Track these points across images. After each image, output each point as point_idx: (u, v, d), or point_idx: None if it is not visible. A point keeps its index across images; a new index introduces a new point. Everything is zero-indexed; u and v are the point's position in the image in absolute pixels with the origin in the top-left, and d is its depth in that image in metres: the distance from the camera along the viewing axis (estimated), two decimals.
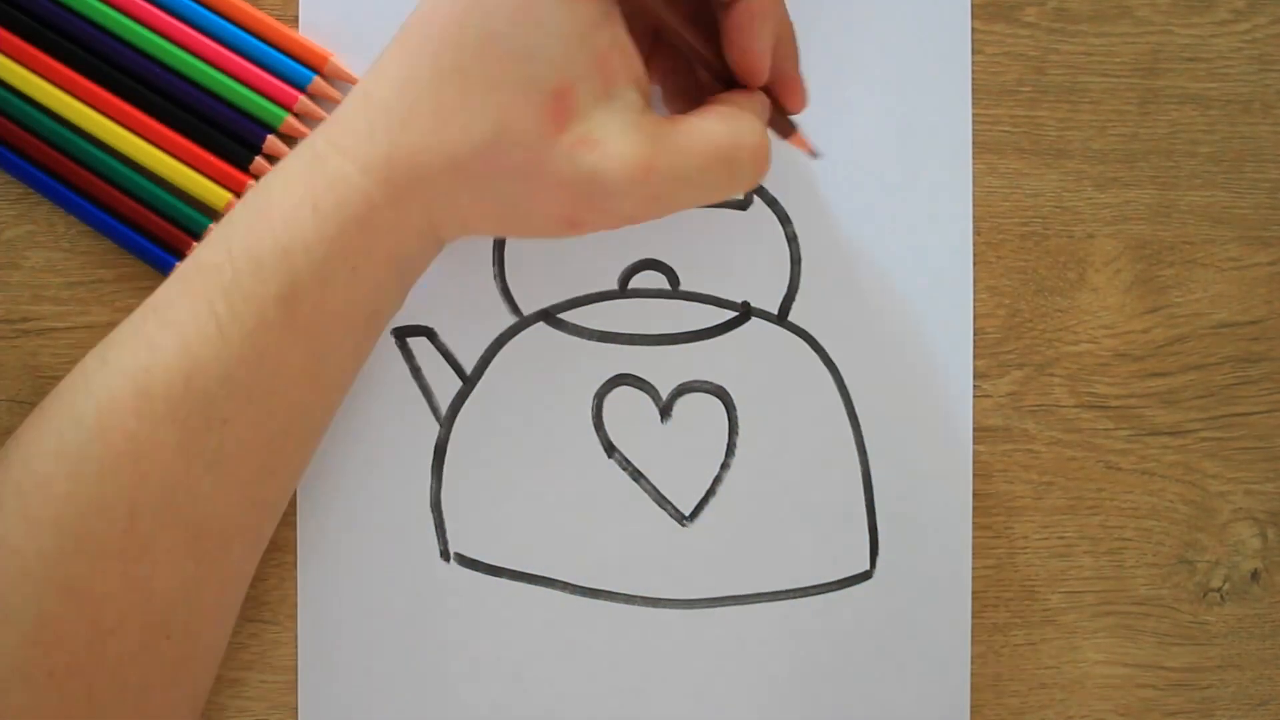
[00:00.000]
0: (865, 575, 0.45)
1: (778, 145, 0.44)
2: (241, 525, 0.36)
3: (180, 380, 0.34)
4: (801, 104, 0.40)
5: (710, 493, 0.44)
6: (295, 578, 0.43)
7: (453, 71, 0.34)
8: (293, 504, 0.43)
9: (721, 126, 0.36)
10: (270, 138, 0.42)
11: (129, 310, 0.42)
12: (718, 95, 0.38)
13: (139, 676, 0.36)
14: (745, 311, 0.45)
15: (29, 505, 0.34)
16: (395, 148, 0.34)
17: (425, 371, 0.44)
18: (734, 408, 0.44)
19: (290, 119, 0.42)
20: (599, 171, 0.34)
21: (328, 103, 0.43)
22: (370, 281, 0.35)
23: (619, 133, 0.34)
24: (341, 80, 0.42)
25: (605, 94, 0.34)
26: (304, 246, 0.34)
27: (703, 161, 0.35)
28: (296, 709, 0.43)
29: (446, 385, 0.44)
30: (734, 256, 0.45)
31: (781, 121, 0.41)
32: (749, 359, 0.44)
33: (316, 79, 0.42)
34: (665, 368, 0.44)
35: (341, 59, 0.43)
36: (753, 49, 0.36)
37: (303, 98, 0.42)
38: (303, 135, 0.42)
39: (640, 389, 0.44)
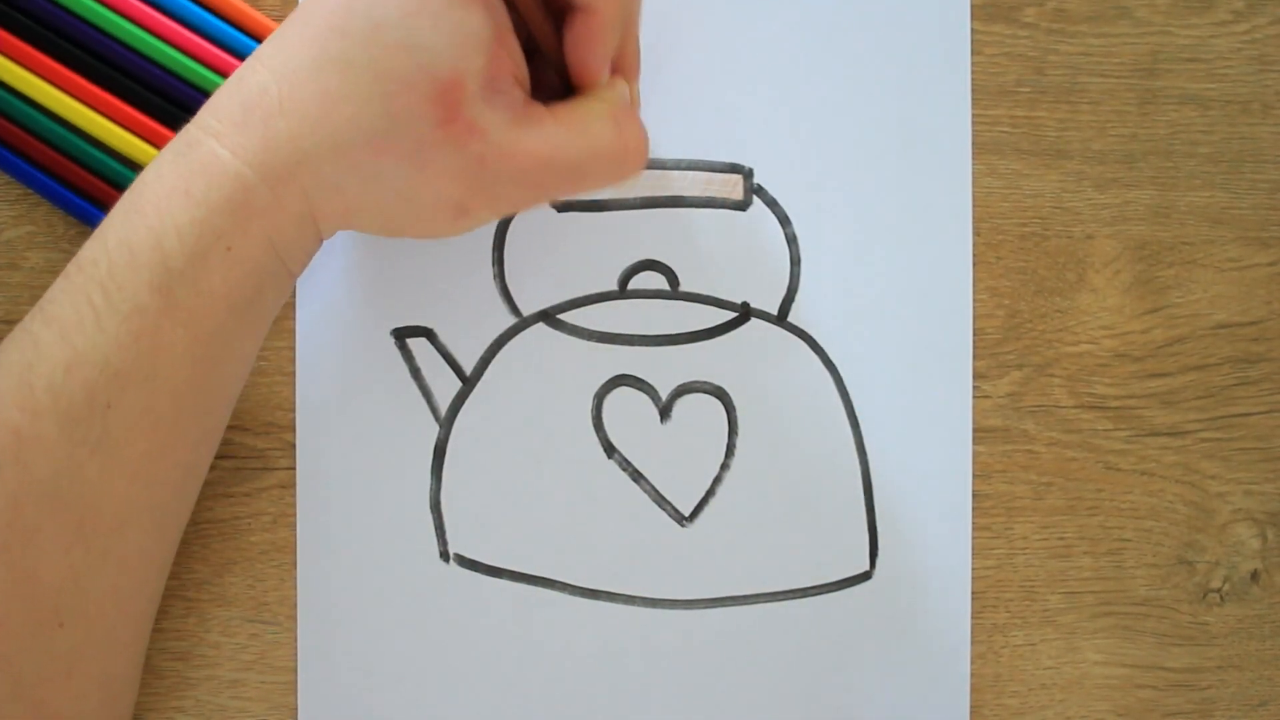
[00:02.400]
0: (865, 575, 0.45)
1: (777, 151, 0.44)
2: (136, 507, 0.36)
3: (60, 371, 0.34)
4: (630, 80, 0.41)
5: (710, 493, 0.44)
6: (295, 578, 0.43)
7: (339, 59, 0.34)
8: (292, 504, 0.43)
9: (602, 119, 0.37)
10: None
11: None
12: (596, 89, 0.38)
13: (32, 668, 0.36)
14: (745, 312, 0.45)
15: None
16: (272, 132, 0.34)
17: (425, 372, 0.44)
18: (734, 408, 0.44)
19: None
20: (486, 159, 0.35)
21: None
22: (248, 261, 0.35)
23: (505, 123, 0.35)
24: None
25: (491, 87, 0.35)
26: (175, 231, 0.34)
27: (586, 152, 0.37)
28: (296, 709, 0.43)
29: (446, 386, 0.44)
30: (734, 257, 0.45)
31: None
32: (749, 360, 0.45)
33: None
34: (665, 368, 0.44)
35: None
36: (586, 63, 0.37)
37: None
38: None
39: (640, 390, 0.44)
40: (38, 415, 0.34)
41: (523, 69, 0.37)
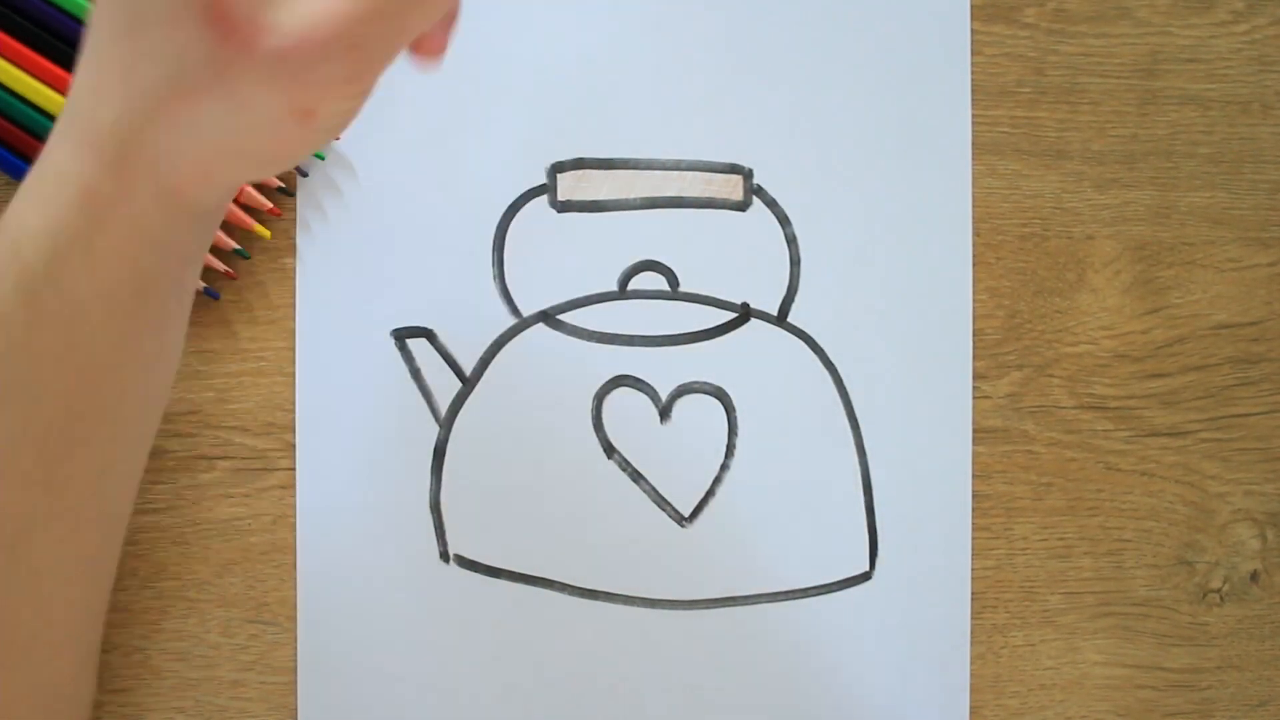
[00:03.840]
0: (865, 576, 0.45)
1: (777, 151, 0.44)
2: (37, 514, 0.35)
3: None
4: None
5: (710, 494, 0.44)
6: (295, 578, 0.43)
7: (110, 30, 0.33)
8: (292, 505, 0.43)
9: None
10: None
11: None
12: None
13: None
14: (745, 312, 0.45)
15: None
16: (95, 121, 0.33)
17: (425, 373, 0.44)
18: (733, 409, 0.44)
19: None
20: (285, 52, 0.32)
21: None
22: (115, 257, 0.34)
23: (284, 4, 0.32)
24: None
25: None
26: (30, 238, 0.34)
27: None
28: (296, 710, 0.43)
29: (446, 386, 0.44)
30: (734, 257, 0.45)
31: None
32: (748, 360, 0.44)
33: None
34: (665, 369, 0.44)
35: None
36: None
37: None
38: None
39: (640, 390, 0.44)
40: None
41: None
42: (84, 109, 0.34)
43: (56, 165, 0.34)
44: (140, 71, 0.33)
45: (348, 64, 0.33)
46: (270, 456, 0.43)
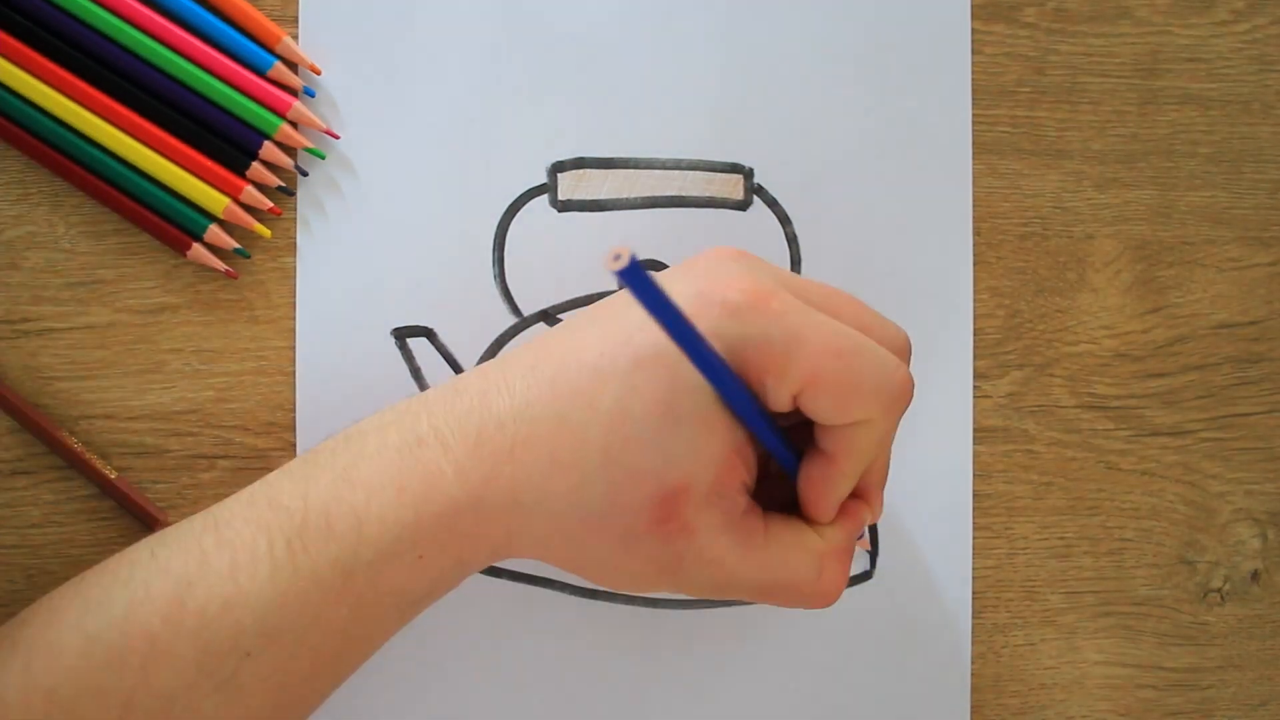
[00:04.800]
0: (865, 575, 0.45)
1: (777, 151, 0.45)
2: None
3: (217, 602, 0.34)
4: (854, 529, 0.39)
5: None
6: None
7: (578, 429, 0.34)
8: None
9: (809, 556, 0.36)
10: (267, 144, 0.42)
11: (129, 311, 0.42)
12: (825, 520, 0.37)
13: None
14: None
15: (33, 668, 0.34)
16: (497, 472, 0.34)
17: (425, 372, 0.44)
18: None
19: (285, 127, 0.42)
20: (685, 558, 0.35)
21: (332, 99, 0.43)
22: (433, 572, 0.35)
23: (715, 528, 0.35)
24: (295, 61, 0.42)
25: (715, 493, 0.34)
26: (379, 522, 0.34)
27: (779, 582, 0.36)
28: None
29: None
30: None
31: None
32: None
33: (277, 64, 0.42)
34: None
35: (342, 59, 0.43)
36: (814, 503, 0.36)
37: (296, 104, 0.42)
38: (298, 144, 0.42)
39: None
40: (179, 634, 0.34)
41: (753, 476, 0.36)
42: (489, 447, 0.35)
43: (434, 472, 0.35)
44: (570, 480, 0.34)
45: (709, 591, 0.36)
46: (270, 456, 0.43)
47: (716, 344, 0.33)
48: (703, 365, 0.32)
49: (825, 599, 0.37)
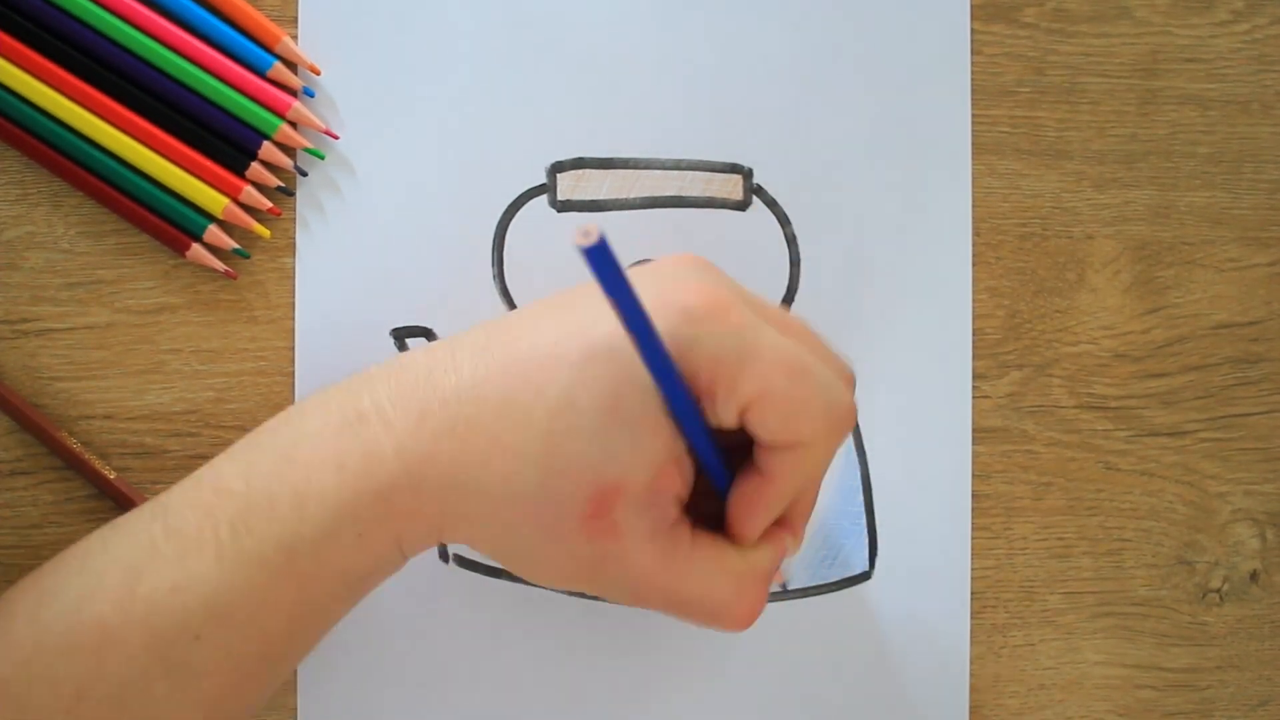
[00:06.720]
0: (865, 575, 0.45)
1: (777, 151, 0.45)
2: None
3: (165, 588, 0.34)
4: (777, 554, 0.38)
5: None
6: None
7: (522, 415, 0.34)
8: None
9: (729, 576, 0.36)
10: (266, 144, 0.42)
11: (129, 311, 0.42)
12: (749, 540, 0.37)
13: None
14: None
15: None
16: (437, 450, 0.34)
17: None
18: None
19: (284, 127, 0.42)
20: (608, 560, 0.35)
21: (331, 100, 0.43)
22: (374, 550, 0.35)
23: (642, 534, 0.34)
24: (294, 61, 0.42)
25: (647, 499, 0.34)
26: (319, 502, 0.34)
27: (696, 597, 0.36)
28: (296, 709, 0.43)
29: None
30: (734, 257, 0.44)
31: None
32: None
33: (276, 64, 0.42)
34: None
35: (341, 59, 0.43)
36: (742, 522, 0.36)
37: (295, 104, 0.42)
38: (298, 145, 0.42)
39: None
40: (129, 621, 0.34)
41: (688, 489, 0.36)
42: (431, 423, 0.34)
43: (374, 449, 0.34)
44: (511, 467, 0.34)
45: (626, 598, 0.37)
46: None
47: (670, 347, 0.33)
48: (651, 360, 0.32)
49: (740, 622, 0.36)
